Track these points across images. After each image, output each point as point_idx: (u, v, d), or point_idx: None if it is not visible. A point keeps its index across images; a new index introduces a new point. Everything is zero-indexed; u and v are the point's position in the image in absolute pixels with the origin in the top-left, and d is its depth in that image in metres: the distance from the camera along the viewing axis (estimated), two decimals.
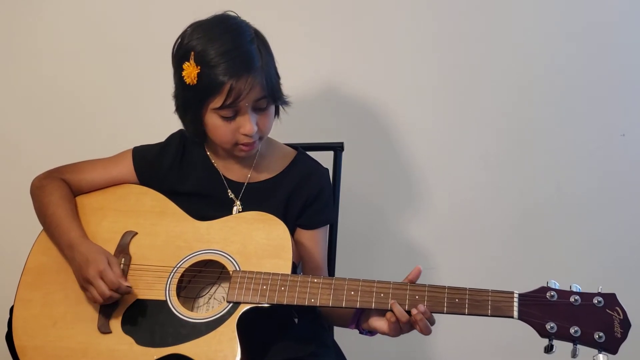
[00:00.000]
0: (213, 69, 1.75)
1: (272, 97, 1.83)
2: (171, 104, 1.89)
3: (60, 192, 1.92)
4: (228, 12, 1.86)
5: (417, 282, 1.72)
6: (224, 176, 1.97)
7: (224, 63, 1.74)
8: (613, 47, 2.61)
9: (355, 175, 2.45)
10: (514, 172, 2.66)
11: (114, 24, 2.60)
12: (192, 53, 1.76)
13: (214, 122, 1.82)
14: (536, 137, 2.64)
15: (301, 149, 2.04)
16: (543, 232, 2.69)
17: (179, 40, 1.84)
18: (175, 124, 1.95)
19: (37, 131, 2.66)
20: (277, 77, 1.86)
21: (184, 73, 1.76)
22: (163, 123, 1.97)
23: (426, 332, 1.69)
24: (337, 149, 2.24)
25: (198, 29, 1.81)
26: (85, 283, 1.78)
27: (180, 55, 1.80)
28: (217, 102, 1.77)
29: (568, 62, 2.61)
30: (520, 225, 2.68)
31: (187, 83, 1.77)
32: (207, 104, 1.79)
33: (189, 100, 1.82)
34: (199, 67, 1.75)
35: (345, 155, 2.25)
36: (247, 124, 1.80)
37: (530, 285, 2.40)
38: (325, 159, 2.11)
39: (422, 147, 2.64)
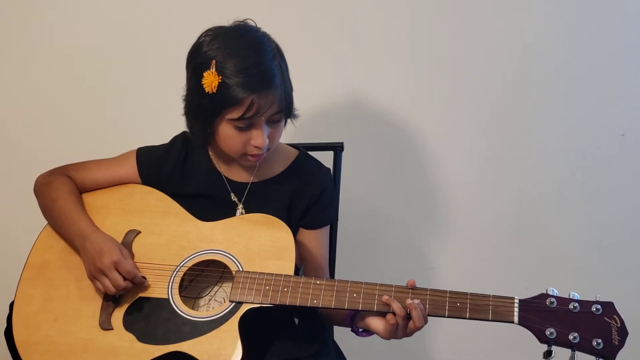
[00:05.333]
0: (235, 81, 1.73)
1: (287, 112, 1.84)
2: (177, 105, 1.88)
3: (67, 187, 1.93)
4: (248, 21, 1.84)
5: (418, 286, 1.73)
6: (226, 178, 1.97)
7: (246, 77, 1.73)
8: (613, 47, 2.61)
9: (355, 175, 2.46)
10: (513, 172, 2.67)
11: (122, 25, 2.59)
12: (214, 62, 1.74)
13: (227, 132, 1.81)
14: (536, 138, 2.65)
15: (303, 149, 2.04)
16: (542, 232, 2.70)
17: (197, 46, 1.81)
18: (179, 125, 1.94)
19: (41, 130, 2.66)
20: (292, 91, 1.86)
21: (204, 81, 1.74)
22: (169, 124, 1.97)
23: (418, 322, 1.70)
24: (337, 149, 2.24)
25: (219, 37, 1.79)
26: (98, 273, 1.78)
27: (199, 62, 1.78)
28: (236, 114, 1.76)
29: (568, 62, 2.61)
30: (520, 225, 2.70)
31: (206, 91, 1.75)
32: (224, 114, 1.78)
33: (204, 107, 1.79)
34: (220, 77, 1.74)
35: (345, 155, 2.25)
36: (260, 136, 1.80)
37: (529, 285, 2.42)
38: (325, 159, 2.11)
39: (422, 147, 2.64)
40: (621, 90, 2.64)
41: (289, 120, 1.90)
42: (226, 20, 1.85)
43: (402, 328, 1.72)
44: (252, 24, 1.85)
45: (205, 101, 1.78)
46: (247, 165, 1.93)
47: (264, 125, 1.80)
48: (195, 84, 1.78)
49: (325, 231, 2.01)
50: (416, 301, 1.69)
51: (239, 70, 1.73)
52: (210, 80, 1.74)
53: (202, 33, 1.82)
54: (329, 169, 2.06)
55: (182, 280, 1.83)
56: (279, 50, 1.84)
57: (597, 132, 2.66)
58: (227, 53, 1.75)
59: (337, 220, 2.18)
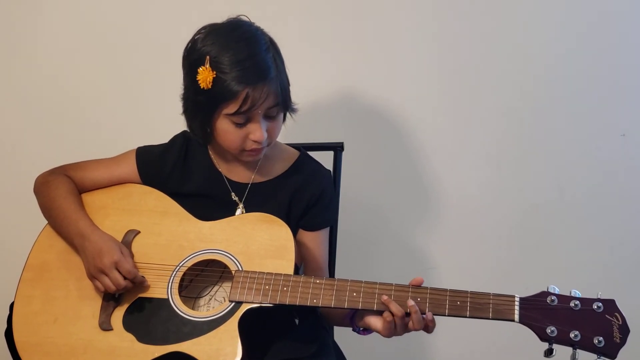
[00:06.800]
0: (229, 75, 1.74)
1: (283, 105, 1.84)
2: (173, 105, 1.89)
3: (66, 186, 1.93)
4: (241, 17, 1.85)
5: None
6: (226, 178, 1.97)
7: (240, 70, 1.74)
8: (613, 47, 2.61)
9: (355, 175, 2.46)
10: (514, 173, 2.66)
11: (115, 24, 2.60)
12: (208, 57, 1.75)
13: (225, 127, 1.82)
14: (536, 137, 2.64)
15: (304, 150, 2.04)
16: (543, 232, 2.69)
17: (192, 43, 1.82)
18: (177, 125, 1.95)
19: (38, 131, 2.66)
20: (288, 84, 1.86)
21: (198, 77, 1.75)
22: (164, 124, 1.98)
23: (417, 325, 1.69)
24: (337, 149, 2.24)
25: (212, 33, 1.80)
26: (98, 273, 1.78)
27: (194, 59, 1.79)
28: (231, 108, 1.77)
29: (568, 62, 2.61)
30: (521, 225, 2.69)
31: (202, 87, 1.75)
32: (220, 109, 1.79)
33: (201, 104, 1.81)
34: (214, 72, 1.74)
35: (345, 155, 2.25)
36: (258, 131, 1.81)
37: (530, 285, 2.42)
38: (325, 159, 2.11)
39: (423, 147, 2.64)
40: (621, 90, 2.64)
41: (289, 117, 1.90)
42: (220, 18, 1.85)
43: (401, 326, 1.71)
44: (246, 19, 1.85)
45: (202, 97, 1.78)
46: (247, 161, 1.92)
47: (262, 120, 1.81)
48: (191, 81, 1.79)
49: (324, 233, 2.01)
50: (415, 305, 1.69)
51: (232, 63, 1.74)
52: (204, 75, 1.74)
53: (197, 31, 1.83)
54: (329, 171, 2.06)
55: (182, 280, 1.83)
56: (274, 43, 1.84)
57: (597, 132, 2.65)
58: (220, 48, 1.76)
59: (336, 222, 2.18)
